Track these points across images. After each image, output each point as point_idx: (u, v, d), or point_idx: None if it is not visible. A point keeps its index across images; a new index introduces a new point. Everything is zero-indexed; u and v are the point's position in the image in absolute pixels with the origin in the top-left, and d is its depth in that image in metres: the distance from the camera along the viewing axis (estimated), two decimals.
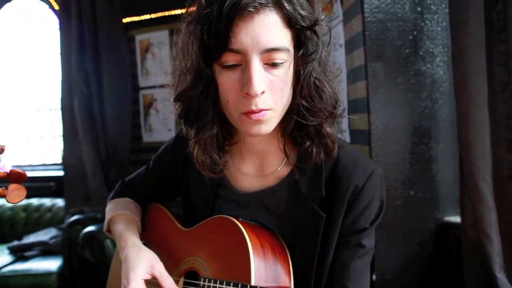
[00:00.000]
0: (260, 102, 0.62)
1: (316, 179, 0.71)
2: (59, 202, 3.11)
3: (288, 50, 0.62)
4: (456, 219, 1.36)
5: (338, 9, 1.53)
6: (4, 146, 0.67)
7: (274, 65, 0.62)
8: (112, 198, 0.96)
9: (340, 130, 0.73)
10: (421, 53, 1.34)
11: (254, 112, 0.62)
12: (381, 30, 1.31)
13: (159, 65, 3.01)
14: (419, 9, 1.34)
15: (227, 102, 0.65)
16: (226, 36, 0.59)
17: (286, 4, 0.61)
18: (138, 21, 3.03)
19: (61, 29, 3.06)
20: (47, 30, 3.49)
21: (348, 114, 1.35)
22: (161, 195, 0.94)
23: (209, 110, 0.67)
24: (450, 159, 1.37)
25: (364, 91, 1.34)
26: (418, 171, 1.37)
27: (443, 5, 1.34)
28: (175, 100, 0.71)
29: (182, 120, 0.71)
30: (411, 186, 1.37)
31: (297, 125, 0.68)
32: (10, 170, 0.63)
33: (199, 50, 0.63)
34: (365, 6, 1.30)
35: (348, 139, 1.50)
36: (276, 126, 0.68)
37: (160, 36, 2.99)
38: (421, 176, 1.37)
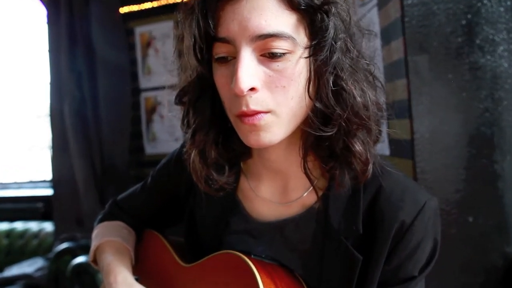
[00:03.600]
0: (252, 102, 0.60)
1: (352, 211, 0.68)
2: (48, 226, 3.23)
3: (291, 37, 0.60)
4: None
5: None
6: None
7: (273, 56, 0.60)
8: (101, 220, 0.96)
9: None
10: (478, 41, 1.30)
11: (246, 114, 0.61)
12: (425, 15, 1.29)
13: (163, 62, 3.08)
14: None
15: (224, 103, 0.65)
16: (210, 23, 0.60)
17: None
18: (138, 11, 3.12)
19: (49, 22, 3.19)
20: (34, 24, 3.67)
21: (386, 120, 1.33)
22: (161, 218, 0.94)
23: (205, 110, 0.69)
24: None
25: (405, 92, 1.31)
26: (478, 191, 1.32)
27: None
28: (175, 102, 0.73)
29: (185, 126, 0.73)
30: (470, 210, 1.32)
31: (322, 139, 0.65)
32: None
33: (192, 44, 0.64)
34: None
35: (386, 152, 1.48)
36: (297, 140, 0.68)
37: (164, 28, 3.07)
38: (482, 197, 1.32)
